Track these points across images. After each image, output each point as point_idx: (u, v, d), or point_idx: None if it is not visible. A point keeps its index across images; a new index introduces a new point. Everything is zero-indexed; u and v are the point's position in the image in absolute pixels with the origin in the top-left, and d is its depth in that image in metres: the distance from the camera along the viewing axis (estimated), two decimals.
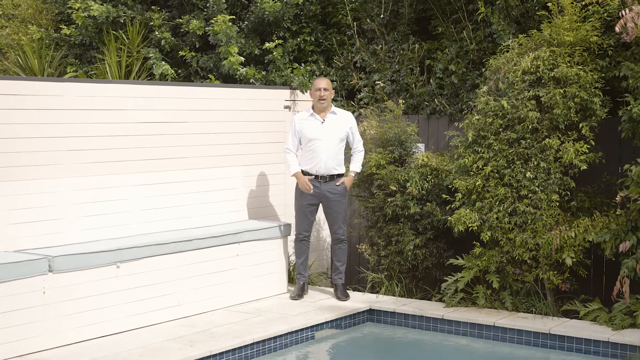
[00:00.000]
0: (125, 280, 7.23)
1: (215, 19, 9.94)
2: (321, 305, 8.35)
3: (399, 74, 9.73)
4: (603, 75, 7.91)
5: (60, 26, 11.16)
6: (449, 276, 8.36)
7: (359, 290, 9.19)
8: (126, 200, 7.83)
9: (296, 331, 7.57)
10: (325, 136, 8.51)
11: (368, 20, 10.05)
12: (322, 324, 7.86)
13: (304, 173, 8.54)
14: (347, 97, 10.28)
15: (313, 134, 8.53)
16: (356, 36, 10.13)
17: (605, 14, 7.93)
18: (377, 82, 9.79)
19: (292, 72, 9.95)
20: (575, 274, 8.07)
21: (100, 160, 7.78)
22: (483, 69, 8.81)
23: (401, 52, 9.75)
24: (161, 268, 7.53)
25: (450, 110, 9.27)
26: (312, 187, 8.45)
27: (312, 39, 10.47)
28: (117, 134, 7.92)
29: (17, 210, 7.02)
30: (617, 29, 7.36)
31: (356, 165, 8.69)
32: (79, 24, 10.77)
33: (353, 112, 9.63)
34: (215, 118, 8.86)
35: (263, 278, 8.57)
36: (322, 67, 10.31)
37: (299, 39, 10.37)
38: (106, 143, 7.83)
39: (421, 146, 9.26)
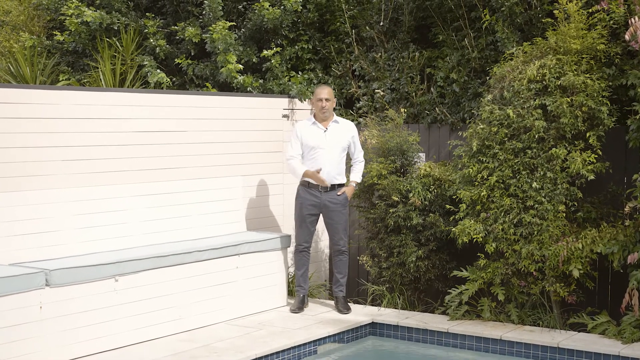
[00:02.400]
0: (124, 294, 7.02)
1: (213, 26, 9.76)
2: (322, 318, 8.16)
3: (398, 82, 9.57)
4: (610, 83, 7.78)
5: (54, 32, 10.95)
6: (453, 289, 8.19)
7: (359, 303, 9.01)
8: (124, 212, 7.62)
9: (299, 346, 7.38)
10: (327, 145, 8.35)
11: (367, 27, 9.89)
12: (325, 338, 7.67)
13: (305, 183, 8.37)
14: (345, 105, 10.12)
15: (315, 142, 8.36)
16: (355, 44, 9.97)
17: (611, 22, 7.81)
18: (376, 90, 9.64)
19: (289, 81, 9.78)
20: (581, 286, 7.93)
21: (97, 171, 7.57)
22: (486, 77, 8.68)
23: (401, 60, 9.59)
24: (160, 281, 7.33)
25: (451, 119, 9.13)
26: (325, 180, 8.27)
27: (310, 47, 10.30)
28: (114, 144, 7.72)
29: (13, 222, 6.80)
30: (626, 36, 7.23)
31: (356, 175, 8.54)
32: (72, 30, 10.56)
33: (352, 121, 9.45)
34: (214, 127, 8.68)
35: (263, 290, 8.39)
36: (320, 75, 10.14)
37: (296, 47, 10.20)
38: (103, 153, 7.63)
39: (422, 156, 9.11)
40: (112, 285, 6.94)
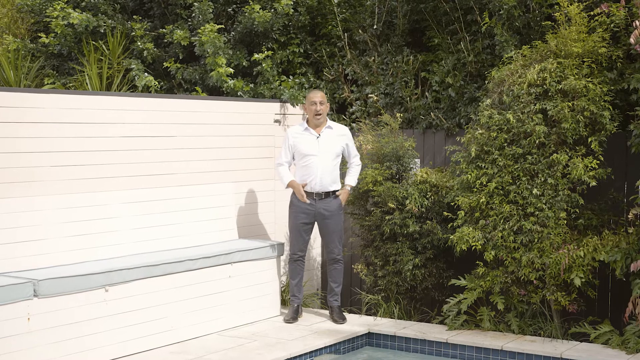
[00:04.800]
0: (114, 305, 6.77)
1: (202, 28, 9.53)
2: (318, 328, 7.94)
3: (392, 86, 9.37)
4: (612, 87, 7.61)
5: (40, 35, 10.67)
6: (451, 297, 8.00)
7: (354, 312, 8.79)
8: (113, 219, 7.37)
9: (295, 357, 7.15)
10: (320, 152, 8.13)
11: (360, 31, 9.68)
12: (321, 349, 7.45)
13: None
14: (338, 110, 9.91)
15: (308, 149, 8.14)
16: (347, 48, 9.76)
17: (612, 25, 7.65)
18: (370, 95, 9.43)
19: (280, 85, 9.56)
20: (581, 295, 7.75)
21: (86, 177, 7.32)
22: (484, 82, 8.51)
23: (395, 64, 9.39)
24: (152, 291, 7.08)
25: (447, 125, 8.93)
26: (308, 198, 8.07)
27: (301, 51, 10.08)
28: (102, 149, 7.46)
29: None
30: (631, 39, 7.06)
31: (352, 179, 8.31)
32: (58, 32, 10.29)
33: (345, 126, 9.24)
34: (204, 132, 8.44)
35: (256, 300, 8.16)
36: (312, 79, 9.92)
37: (287, 51, 9.97)
38: (91, 158, 7.38)
39: (417, 161, 8.90)
40: (102, 296, 6.68)
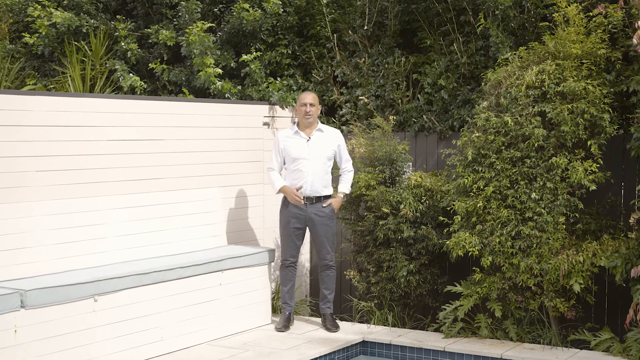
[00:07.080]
0: (103, 315, 6.52)
1: (190, 28, 9.29)
2: (311, 337, 7.73)
3: (383, 88, 9.18)
4: (611, 90, 7.47)
5: (24, 34, 10.37)
6: (447, 304, 7.81)
7: (346, 320, 8.59)
8: (101, 226, 7.12)
9: None
10: (311, 155, 7.92)
11: (350, 32, 9.48)
12: (316, 358, 7.23)
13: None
14: (327, 113, 9.69)
15: (298, 152, 7.94)
16: (336, 49, 9.55)
17: (609, 26, 7.52)
18: (360, 97, 9.24)
19: (268, 87, 9.34)
20: (579, 301, 7.60)
21: (73, 182, 7.05)
22: (478, 84, 8.34)
23: (386, 65, 9.19)
24: (142, 300, 6.84)
25: (440, 127, 8.76)
26: (302, 199, 7.85)
27: (289, 52, 9.85)
28: (88, 153, 7.19)
29: None
30: (634, 40, 6.93)
31: (345, 186, 8.12)
32: (43, 32, 9.98)
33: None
34: (192, 135, 8.20)
35: (247, 308, 7.93)
36: (300, 81, 9.70)
37: (275, 52, 9.74)
38: (79, 163, 7.11)
39: (409, 165, 8.71)
40: (92, 306, 6.43)
